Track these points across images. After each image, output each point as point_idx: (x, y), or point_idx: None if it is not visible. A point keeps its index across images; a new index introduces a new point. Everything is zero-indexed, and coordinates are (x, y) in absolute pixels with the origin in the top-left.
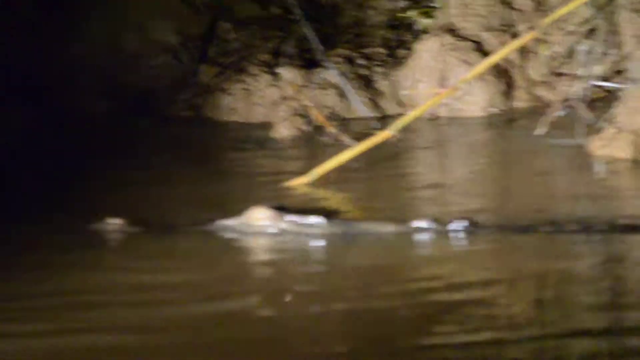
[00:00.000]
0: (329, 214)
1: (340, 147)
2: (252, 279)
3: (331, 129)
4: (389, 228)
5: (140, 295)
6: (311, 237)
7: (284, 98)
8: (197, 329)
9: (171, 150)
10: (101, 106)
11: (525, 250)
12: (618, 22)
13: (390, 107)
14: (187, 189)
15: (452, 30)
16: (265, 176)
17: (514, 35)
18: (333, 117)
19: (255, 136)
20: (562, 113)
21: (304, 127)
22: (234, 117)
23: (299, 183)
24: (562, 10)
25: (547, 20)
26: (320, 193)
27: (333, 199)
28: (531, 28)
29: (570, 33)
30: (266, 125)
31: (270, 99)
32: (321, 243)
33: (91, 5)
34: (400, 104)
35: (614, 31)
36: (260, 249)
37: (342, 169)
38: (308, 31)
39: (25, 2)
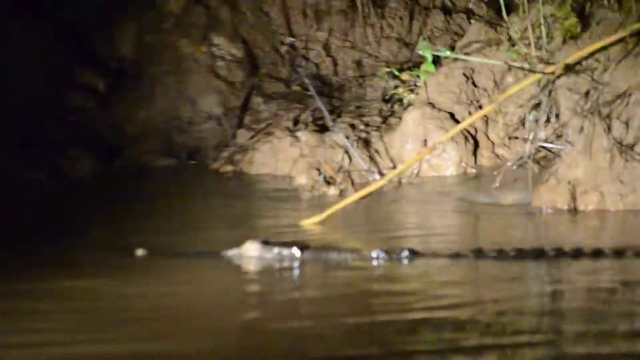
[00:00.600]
0: (308, 246)
1: (344, 194)
2: (242, 292)
3: (338, 179)
4: (349, 255)
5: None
6: (289, 263)
7: (302, 155)
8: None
9: (212, 198)
10: (162, 162)
11: (455, 272)
12: (557, 98)
13: (384, 163)
14: (217, 228)
15: (431, 104)
16: (285, 217)
17: (479, 107)
18: (340, 170)
19: (278, 187)
20: (515, 168)
21: (318, 178)
22: (264, 170)
23: (311, 222)
24: (515, 89)
25: (503, 96)
26: (324, 229)
27: (331, 233)
28: (491, 102)
29: (521, 106)
30: (288, 178)
31: (292, 156)
32: (295, 267)
33: (155, 84)
34: (392, 160)
35: (553, 105)
36: (249, 271)
37: (344, 211)
38: (320, 104)
39: (99, 83)
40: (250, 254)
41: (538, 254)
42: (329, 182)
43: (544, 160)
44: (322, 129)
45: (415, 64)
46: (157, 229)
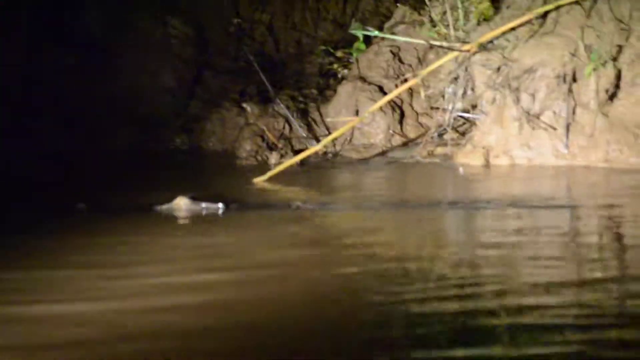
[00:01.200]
0: (230, 200)
1: (285, 158)
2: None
3: (279, 145)
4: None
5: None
6: (209, 214)
7: (248, 124)
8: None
9: (164, 163)
10: (124, 132)
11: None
12: (472, 73)
13: (320, 131)
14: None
15: (362, 78)
16: (234, 179)
17: (404, 81)
18: (281, 137)
19: (225, 154)
20: (435, 135)
21: (261, 144)
22: (213, 139)
23: (258, 180)
24: (435, 64)
25: (426, 70)
26: (267, 186)
27: (269, 190)
28: (415, 76)
29: (441, 80)
30: (235, 144)
31: (238, 125)
32: (213, 217)
33: (119, 60)
34: (328, 128)
35: (469, 79)
36: (177, 220)
37: (285, 171)
38: (263, 78)
39: (70, 58)
40: (179, 207)
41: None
42: (271, 147)
43: (462, 127)
44: (266, 100)
45: (349, 43)
46: (108, 191)
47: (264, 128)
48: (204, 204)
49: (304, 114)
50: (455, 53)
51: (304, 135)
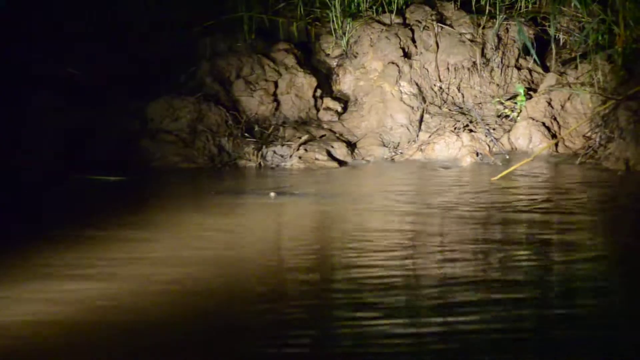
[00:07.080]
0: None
1: (505, 167)
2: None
3: (492, 158)
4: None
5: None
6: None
7: (464, 146)
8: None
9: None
10: (376, 150)
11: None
12: (617, 114)
13: (507, 149)
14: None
15: (531, 118)
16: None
17: (554, 119)
18: (491, 153)
19: (448, 164)
20: (587, 152)
21: (476, 158)
22: (440, 155)
23: (496, 178)
24: (600, 108)
25: (593, 113)
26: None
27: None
28: (561, 117)
29: (591, 119)
30: (456, 159)
31: (457, 146)
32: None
33: (370, 108)
34: (514, 148)
35: (615, 118)
36: (266, 204)
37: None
38: (477, 116)
39: (338, 107)
40: (270, 195)
41: None
42: (482, 160)
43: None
44: (470, 131)
45: (509, 97)
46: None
47: (478, 146)
48: (272, 194)
49: (499, 140)
50: (613, 101)
51: (503, 151)
